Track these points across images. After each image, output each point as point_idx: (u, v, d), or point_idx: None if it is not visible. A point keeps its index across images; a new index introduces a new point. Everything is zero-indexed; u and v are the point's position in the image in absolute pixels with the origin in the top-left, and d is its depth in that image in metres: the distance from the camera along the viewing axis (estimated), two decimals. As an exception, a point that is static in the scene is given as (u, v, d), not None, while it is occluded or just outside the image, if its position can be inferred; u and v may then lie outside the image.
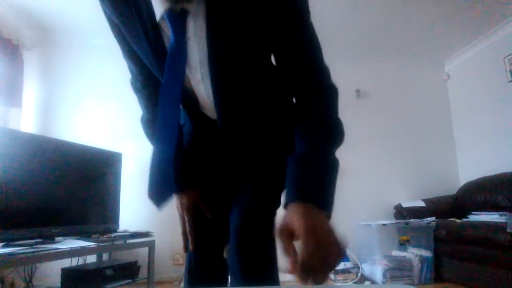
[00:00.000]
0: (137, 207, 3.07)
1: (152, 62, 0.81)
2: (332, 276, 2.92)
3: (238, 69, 0.79)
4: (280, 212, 0.74)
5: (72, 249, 1.86)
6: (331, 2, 2.80)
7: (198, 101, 0.87)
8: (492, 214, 2.58)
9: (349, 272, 2.86)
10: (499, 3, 2.82)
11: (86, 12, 2.86)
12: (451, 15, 3.00)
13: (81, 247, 1.91)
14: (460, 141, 3.74)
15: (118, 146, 2.90)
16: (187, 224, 0.96)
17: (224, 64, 0.77)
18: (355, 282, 2.78)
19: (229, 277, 0.95)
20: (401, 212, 3.25)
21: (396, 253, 2.95)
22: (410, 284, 2.45)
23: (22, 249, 1.65)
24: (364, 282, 2.77)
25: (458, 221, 2.76)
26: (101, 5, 0.84)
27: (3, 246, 1.70)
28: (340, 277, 2.83)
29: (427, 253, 2.74)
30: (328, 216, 0.63)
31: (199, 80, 0.81)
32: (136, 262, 2.51)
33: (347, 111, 4.28)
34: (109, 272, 2.20)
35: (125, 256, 2.75)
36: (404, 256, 2.83)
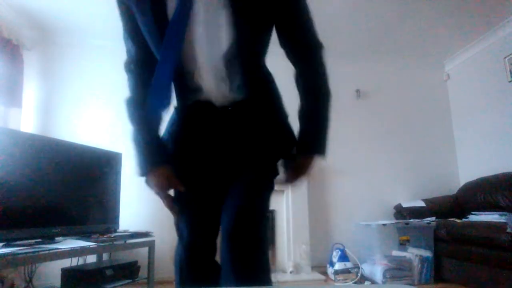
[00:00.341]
0: (137, 207, 3.07)
1: (155, 35, 0.87)
2: (332, 276, 2.92)
3: (254, 31, 0.90)
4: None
5: (72, 249, 1.86)
6: (331, 2, 2.80)
7: (193, 74, 0.90)
8: (492, 214, 2.59)
9: (349, 272, 2.86)
10: (499, 3, 2.82)
11: (86, 12, 2.86)
12: (451, 15, 3.00)
13: (81, 247, 1.91)
14: (460, 141, 3.74)
15: (118, 146, 2.90)
16: (165, 201, 1.01)
17: (246, 25, 0.86)
18: (355, 282, 2.78)
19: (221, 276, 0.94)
20: (401, 212, 3.25)
21: (396, 253, 2.95)
22: (410, 284, 2.45)
23: (22, 249, 1.65)
24: (364, 282, 2.77)
25: (458, 221, 2.76)
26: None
27: (3, 246, 1.69)
28: (340, 277, 2.83)
29: (427, 253, 2.74)
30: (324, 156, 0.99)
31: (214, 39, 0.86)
32: (136, 262, 2.51)
33: (347, 111, 4.29)
34: (109, 272, 2.20)
35: (125, 256, 2.75)
36: (404, 256, 2.83)
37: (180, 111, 1.00)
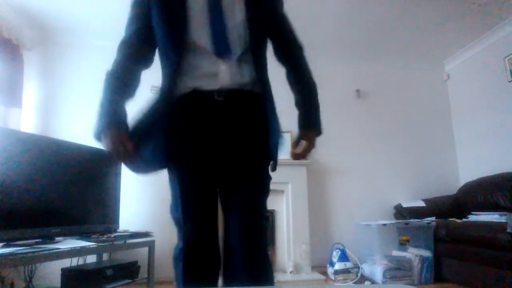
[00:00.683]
0: (137, 207, 3.07)
1: (171, 16, 1.02)
2: (332, 276, 2.92)
3: (262, 41, 1.13)
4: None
5: (72, 249, 1.86)
6: (331, 2, 2.80)
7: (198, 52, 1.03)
8: (492, 214, 2.59)
9: (349, 272, 2.86)
10: (499, 3, 2.82)
11: (86, 12, 2.86)
12: (451, 15, 3.00)
13: (81, 247, 1.91)
14: (460, 141, 3.74)
15: (118, 146, 2.90)
16: (119, 157, 1.08)
17: (259, 27, 1.08)
18: (355, 282, 2.78)
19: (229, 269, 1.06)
20: (401, 212, 3.25)
21: (396, 253, 2.95)
22: (410, 284, 2.45)
23: (22, 249, 1.65)
24: (364, 282, 2.77)
25: (458, 221, 2.76)
26: None
27: (3, 246, 1.70)
28: (340, 277, 2.83)
29: (427, 253, 2.74)
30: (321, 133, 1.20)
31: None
32: (136, 262, 2.51)
33: (347, 111, 4.29)
34: (109, 272, 2.20)
35: (125, 256, 2.75)
36: (404, 256, 2.83)
37: (179, 100, 1.06)
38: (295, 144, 1.18)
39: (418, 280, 2.70)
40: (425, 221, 2.85)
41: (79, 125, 3.17)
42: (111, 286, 2.15)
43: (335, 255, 3.02)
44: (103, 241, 2.12)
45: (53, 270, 2.52)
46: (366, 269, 2.90)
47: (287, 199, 3.22)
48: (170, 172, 1.10)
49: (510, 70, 3.07)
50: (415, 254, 2.77)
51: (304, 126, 1.18)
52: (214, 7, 1.02)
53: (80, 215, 2.33)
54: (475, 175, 3.22)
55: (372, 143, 3.65)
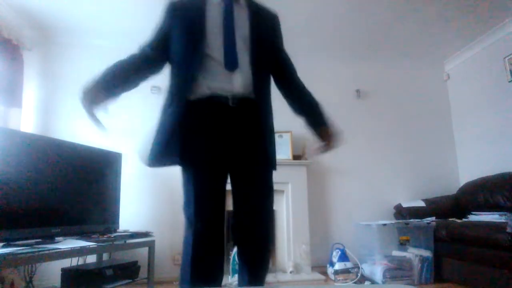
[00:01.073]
0: (137, 207, 3.07)
1: (192, 33, 1.19)
2: (332, 276, 2.92)
3: (264, 52, 1.26)
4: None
5: (72, 249, 1.86)
6: (331, 2, 2.80)
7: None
8: (492, 214, 2.59)
9: (349, 272, 2.86)
10: (499, 3, 2.82)
11: (86, 12, 2.86)
12: (451, 15, 3.00)
13: (81, 247, 1.92)
14: (460, 141, 3.74)
15: (118, 146, 2.90)
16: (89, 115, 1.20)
17: (260, 45, 1.23)
18: (355, 282, 2.78)
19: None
20: (401, 212, 3.25)
21: (396, 253, 2.95)
22: (410, 284, 2.45)
23: (22, 249, 1.65)
24: (364, 282, 2.77)
25: (458, 221, 2.76)
26: (170, 11, 1.29)
27: (3, 246, 1.70)
28: (340, 277, 2.83)
29: (427, 253, 2.74)
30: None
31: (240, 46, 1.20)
32: (136, 262, 2.51)
33: (347, 111, 4.28)
34: (109, 272, 2.20)
35: (125, 256, 2.75)
36: (404, 256, 2.83)
37: (194, 104, 1.17)
38: (320, 138, 1.34)
39: (418, 280, 2.70)
40: (425, 221, 2.85)
41: (79, 125, 3.18)
42: (111, 286, 2.15)
43: (335, 255, 3.02)
44: (103, 241, 2.12)
45: (53, 270, 2.52)
46: (366, 269, 2.90)
47: (287, 199, 3.22)
48: (184, 172, 1.19)
49: (510, 70, 3.07)
50: (415, 254, 2.77)
51: (325, 124, 1.34)
52: (227, 25, 1.19)
53: (80, 215, 2.33)
54: (475, 175, 3.22)
55: (372, 143, 3.65)
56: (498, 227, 2.23)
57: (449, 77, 3.90)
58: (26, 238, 1.87)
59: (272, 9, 1.42)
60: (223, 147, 1.15)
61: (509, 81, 3.08)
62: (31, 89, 3.08)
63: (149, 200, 3.14)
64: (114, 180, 2.68)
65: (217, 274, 1.19)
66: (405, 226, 2.93)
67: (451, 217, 2.92)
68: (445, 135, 3.81)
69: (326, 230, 3.40)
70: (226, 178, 1.22)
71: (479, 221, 2.58)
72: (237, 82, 1.16)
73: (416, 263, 2.73)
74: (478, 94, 3.48)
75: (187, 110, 1.15)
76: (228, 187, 1.23)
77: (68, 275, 2.15)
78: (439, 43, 3.51)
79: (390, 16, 3.01)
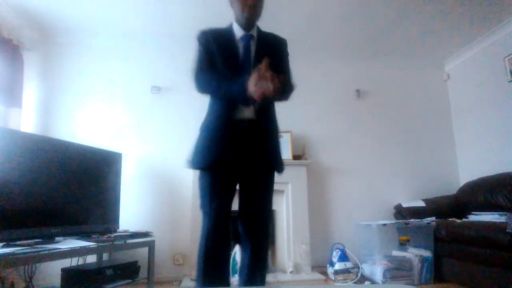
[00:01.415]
0: (137, 207, 3.07)
1: (233, 69, 1.46)
2: (332, 276, 2.92)
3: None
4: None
5: (72, 249, 1.86)
6: (332, 2, 2.80)
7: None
8: (492, 214, 2.59)
9: (349, 272, 2.86)
10: (499, 3, 2.82)
11: (86, 12, 2.86)
12: (451, 15, 3.00)
13: (81, 247, 1.91)
14: (460, 141, 3.74)
15: (118, 146, 2.90)
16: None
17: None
18: (355, 282, 2.78)
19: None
20: (401, 212, 3.25)
21: (396, 253, 2.95)
22: (410, 284, 2.45)
23: (22, 249, 1.65)
24: (364, 282, 2.77)
25: (458, 221, 2.76)
26: (208, 40, 1.52)
27: (3, 246, 1.69)
28: (340, 277, 2.84)
29: (427, 253, 2.74)
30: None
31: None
32: (136, 262, 2.51)
33: (347, 111, 4.28)
34: (109, 272, 2.20)
35: (125, 256, 2.75)
36: (404, 256, 2.83)
37: (219, 125, 1.48)
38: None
39: (418, 280, 2.70)
40: (425, 221, 2.85)
41: (79, 125, 3.18)
42: (111, 286, 2.15)
43: (335, 255, 3.02)
44: (103, 241, 2.12)
45: (53, 270, 2.52)
46: (366, 269, 2.90)
47: (287, 199, 3.22)
48: (204, 175, 1.48)
49: (510, 70, 3.07)
50: (415, 254, 2.77)
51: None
52: (246, 63, 1.48)
53: (80, 215, 2.33)
54: (475, 175, 3.22)
55: (372, 143, 3.65)
56: (498, 227, 2.23)
57: (449, 77, 3.90)
58: (26, 238, 1.87)
59: (280, 37, 1.63)
60: (235, 158, 1.45)
61: (509, 81, 3.08)
62: (31, 89, 3.09)
63: (149, 200, 3.14)
64: (114, 180, 2.68)
65: (225, 260, 1.48)
66: (405, 226, 2.93)
67: (451, 217, 2.92)
68: (445, 135, 3.81)
69: (326, 230, 3.40)
70: (236, 184, 1.52)
71: (479, 221, 2.58)
72: (247, 111, 1.47)
73: (416, 263, 2.73)
74: (478, 94, 3.48)
75: (215, 130, 1.48)
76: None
77: (68, 275, 2.15)
78: (439, 43, 3.51)
79: (390, 16, 3.01)
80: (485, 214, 2.68)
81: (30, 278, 2.39)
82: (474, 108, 3.53)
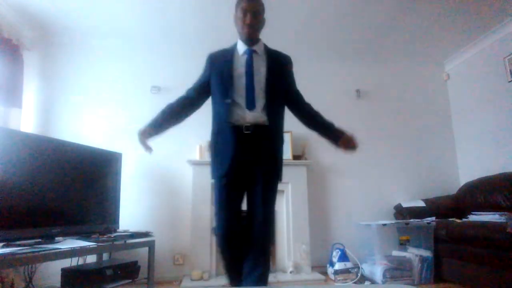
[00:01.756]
0: (137, 207, 3.07)
1: (223, 82, 1.63)
2: (332, 276, 2.92)
3: (277, 95, 1.65)
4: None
5: (72, 249, 1.86)
6: (331, 3, 2.80)
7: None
8: (492, 214, 2.58)
9: (349, 272, 2.86)
10: (499, 3, 2.82)
11: (86, 12, 2.86)
12: (451, 15, 3.00)
13: (81, 247, 1.92)
14: (460, 141, 3.74)
15: (118, 146, 2.90)
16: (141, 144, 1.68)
17: (273, 87, 1.63)
18: (355, 282, 2.78)
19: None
20: (401, 212, 3.25)
21: (396, 253, 2.95)
22: (410, 284, 2.45)
23: (22, 249, 1.65)
24: (364, 282, 2.77)
25: (458, 221, 2.76)
26: (210, 62, 1.72)
27: (3, 246, 1.69)
28: (340, 277, 2.84)
29: (427, 253, 2.74)
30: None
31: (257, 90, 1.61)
32: (136, 262, 2.51)
33: (347, 111, 4.28)
34: (109, 272, 2.20)
35: (125, 256, 2.75)
36: (404, 256, 2.83)
37: (226, 131, 1.60)
38: (336, 144, 1.76)
39: (418, 280, 2.70)
40: (425, 221, 2.85)
41: (79, 125, 3.18)
42: (111, 286, 2.16)
43: (335, 255, 3.02)
44: (103, 241, 2.12)
45: (53, 270, 2.52)
46: (366, 269, 2.90)
47: (287, 199, 3.23)
48: (216, 181, 1.63)
49: (510, 70, 3.07)
50: (415, 254, 2.77)
51: (338, 131, 1.77)
52: (248, 74, 1.60)
53: (80, 215, 2.33)
54: (475, 175, 3.22)
55: (372, 143, 3.65)
56: (498, 227, 2.23)
57: (449, 77, 3.90)
58: (26, 238, 1.87)
59: (285, 54, 1.75)
60: (241, 162, 1.57)
61: (509, 81, 3.08)
62: (31, 89, 3.09)
63: (149, 200, 3.14)
64: (114, 180, 2.68)
65: (239, 248, 1.61)
66: (405, 226, 2.93)
67: (451, 217, 2.92)
68: (445, 135, 3.81)
69: (326, 230, 3.40)
70: (244, 189, 1.63)
71: (479, 221, 2.58)
72: (249, 117, 1.57)
73: (416, 263, 2.73)
74: (478, 94, 3.48)
75: (219, 136, 1.63)
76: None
77: (68, 275, 2.15)
78: (439, 43, 3.51)
79: (390, 16, 3.01)
80: (485, 214, 2.68)
81: (30, 278, 2.38)
82: (474, 108, 3.53)
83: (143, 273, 2.50)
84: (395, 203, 3.39)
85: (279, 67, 1.68)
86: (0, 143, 1.84)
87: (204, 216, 3.02)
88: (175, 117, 1.72)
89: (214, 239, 3.04)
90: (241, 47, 1.67)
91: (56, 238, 2.05)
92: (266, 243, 1.62)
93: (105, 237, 2.21)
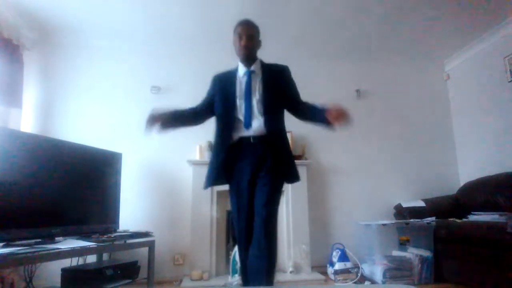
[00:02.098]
0: (137, 207, 3.07)
1: (226, 103, 1.77)
2: (332, 276, 2.92)
3: (274, 108, 1.77)
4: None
5: (72, 249, 1.86)
6: (332, 3, 2.80)
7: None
8: (492, 214, 2.58)
9: (349, 272, 2.86)
10: (499, 3, 2.82)
11: (86, 12, 2.86)
12: (451, 15, 3.00)
13: (81, 247, 1.91)
14: (460, 141, 3.74)
15: (118, 146, 2.90)
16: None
17: (270, 102, 1.74)
18: (355, 282, 2.78)
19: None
20: (401, 212, 3.25)
21: (396, 253, 2.95)
22: (410, 284, 2.45)
23: (22, 249, 1.65)
24: (364, 282, 2.77)
25: (458, 221, 2.76)
26: (214, 83, 1.88)
27: (3, 246, 1.69)
28: (340, 277, 2.84)
29: (427, 253, 2.74)
30: None
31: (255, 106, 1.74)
32: (136, 262, 2.51)
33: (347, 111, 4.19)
34: (109, 272, 2.20)
35: (125, 256, 2.75)
36: (404, 256, 2.83)
37: (231, 144, 1.74)
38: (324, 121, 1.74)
39: (418, 280, 2.70)
40: (425, 221, 2.85)
41: (79, 125, 3.18)
42: (111, 286, 2.16)
43: (335, 255, 3.02)
44: (103, 241, 2.12)
45: (53, 270, 2.52)
46: (366, 269, 2.90)
47: (287, 199, 3.23)
48: (230, 189, 1.80)
49: (510, 70, 3.07)
50: (415, 254, 2.77)
51: (325, 110, 1.74)
52: (247, 94, 1.72)
53: (80, 215, 2.33)
54: (475, 175, 3.22)
55: (372, 143, 3.65)
56: (498, 227, 2.23)
57: (449, 77, 3.90)
58: (26, 238, 1.87)
59: (280, 65, 1.85)
60: (250, 168, 1.70)
61: (509, 81, 3.08)
62: (31, 89, 3.09)
63: (149, 200, 3.14)
64: (114, 180, 2.68)
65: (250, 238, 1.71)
66: (405, 226, 2.93)
67: (451, 217, 2.92)
68: (445, 135, 3.81)
69: (326, 230, 3.40)
70: (252, 190, 1.74)
71: (479, 221, 2.58)
72: (253, 130, 1.70)
73: (416, 263, 2.73)
74: (478, 94, 3.48)
75: (227, 150, 1.73)
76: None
77: (68, 275, 2.15)
78: (439, 43, 3.51)
79: (390, 16, 3.01)
80: (485, 214, 2.68)
81: (30, 278, 2.39)
82: (474, 108, 3.53)
83: (143, 273, 2.50)
84: (395, 203, 3.39)
85: (276, 80, 1.79)
86: (0, 143, 1.84)
87: (204, 216, 3.02)
88: (184, 121, 1.88)
89: (214, 239, 3.05)
90: (241, 69, 1.81)
91: (56, 238, 2.05)
92: (269, 232, 1.68)
93: (105, 237, 2.21)
